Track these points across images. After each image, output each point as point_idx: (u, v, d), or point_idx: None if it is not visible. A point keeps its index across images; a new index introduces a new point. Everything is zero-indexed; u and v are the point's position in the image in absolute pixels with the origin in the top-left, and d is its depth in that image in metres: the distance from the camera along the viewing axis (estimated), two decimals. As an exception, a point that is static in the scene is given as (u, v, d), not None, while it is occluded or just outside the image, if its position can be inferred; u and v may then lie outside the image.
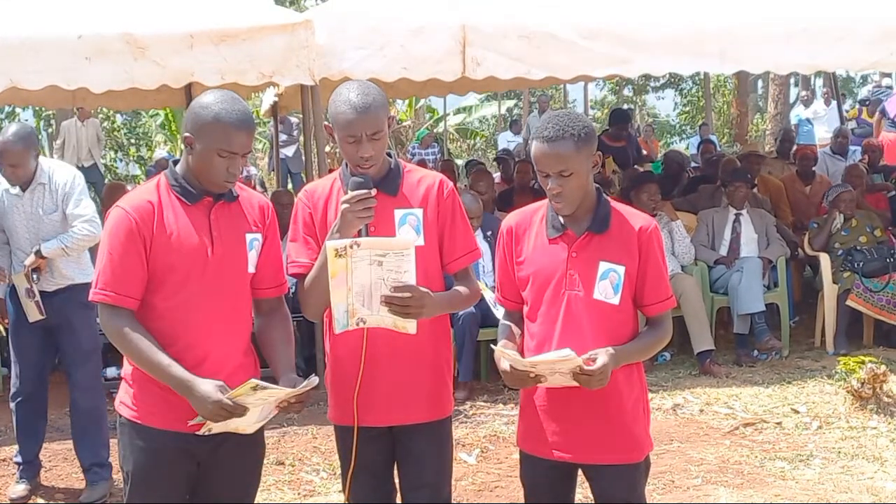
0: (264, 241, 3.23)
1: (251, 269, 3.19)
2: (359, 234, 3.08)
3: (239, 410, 2.93)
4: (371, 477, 3.33)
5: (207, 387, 2.92)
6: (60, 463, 5.76)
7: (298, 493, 5.26)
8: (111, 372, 6.51)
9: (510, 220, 3.25)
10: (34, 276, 5.16)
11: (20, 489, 5.32)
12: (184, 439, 3.08)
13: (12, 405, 5.40)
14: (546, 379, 2.99)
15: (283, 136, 15.35)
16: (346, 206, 3.09)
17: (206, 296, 3.07)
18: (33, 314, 5.19)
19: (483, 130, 28.69)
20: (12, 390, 5.40)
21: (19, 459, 5.42)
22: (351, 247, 2.97)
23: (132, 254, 3.01)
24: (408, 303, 3.03)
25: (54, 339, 5.32)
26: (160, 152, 20.98)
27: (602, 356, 2.94)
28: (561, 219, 3.11)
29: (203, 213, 3.10)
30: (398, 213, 3.22)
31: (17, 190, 5.18)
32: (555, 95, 25.48)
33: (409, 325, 3.09)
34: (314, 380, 3.04)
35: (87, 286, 3.25)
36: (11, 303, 5.32)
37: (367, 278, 3.00)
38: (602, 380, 2.94)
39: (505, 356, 3.01)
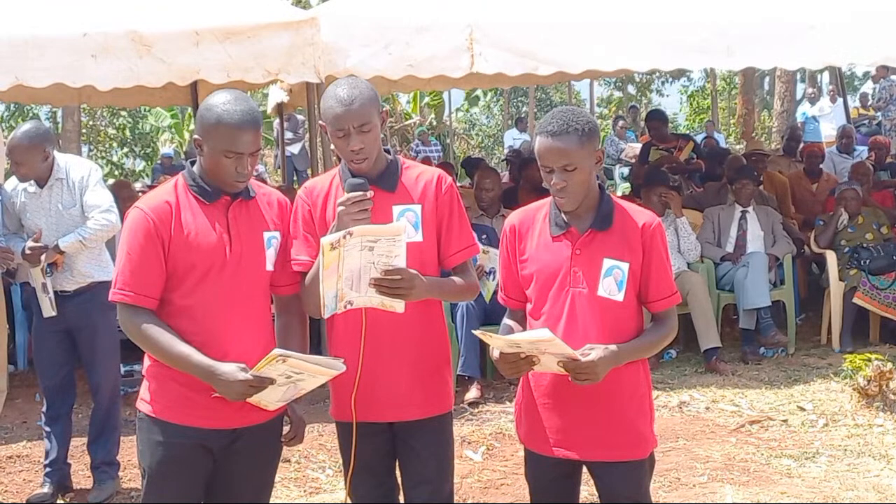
0: (283, 239, 3.25)
1: (269, 268, 3.21)
2: None
3: (266, 383, 2.97)
4: (372, 474, 3.34)
5: (230, 368, 2.97)
6: (65, 460, 5.77)
7: (304, 491, 5.26)
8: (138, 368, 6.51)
9: (513, 218, 3.25)
10: (48, 271, 5.13)
11: (42, 492, 5.28)
12: (201, 435, 3.11)
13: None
14: (539, 360, 2.98)
15: (289, 134, 15.35)
16: (341, 208, 3.10)
17: (225, 294, 3.09)
18: (47, 310, 5.17)
19: (489, 127, 28.70)
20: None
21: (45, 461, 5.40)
22: (344, 237, 2.98)
23: (150, 254, 3.05)
24: (397, 284, 3.05)
25: (74, 341, 5.28)
26: (165, 150, 21.03)
27: (597, 351, 2.93)
28: (564, 216, 3.10)
29: (221, 212, 3.12)
30: (396, 210, 3.23)
31: (34, 188, 5.18)
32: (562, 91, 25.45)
33: (397, 305, 3.10)
34: (341, 366, 3.06)
35: (107, 285, 3.26)
36: (33, 303, 5.32)
37: (356, 262, 3.02)
38: (590, 375, 2.93)
39: (488, 338, 3.00)
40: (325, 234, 3.10)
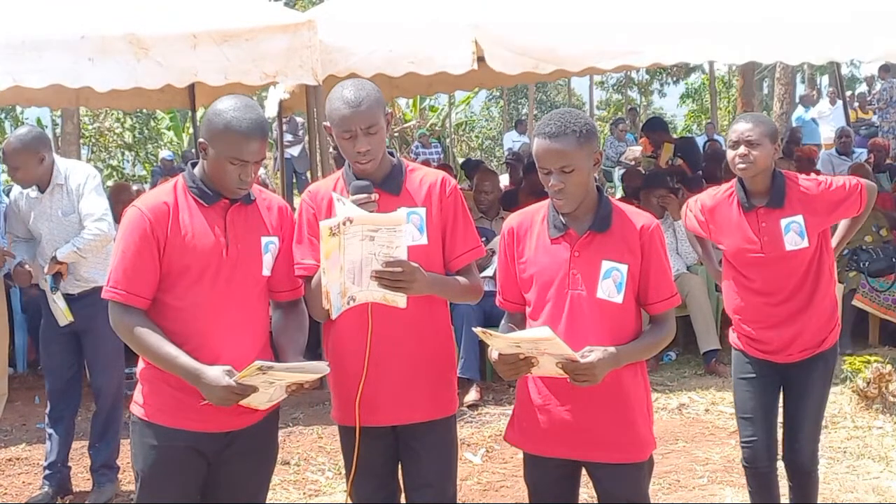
0: (281, 244, 3.24)
1: (266, 272, 3.20)
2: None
3: (249, 391, 2.95)
4: (375, 477, 3.32)
5: (215, 372, 2.94)
6: (65, 463, 5.76)
7: (304, 493, 5.26)
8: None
9: (511, 220, 3.25)
10: (52, 282, 5.11)
11: (39, 495, 5.27)
12: (194, 438, 3.10)
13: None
14: (538, 361, 2.97)
15: (288, 136, 15.36)
16: None
17: (219, 297, 3.08)
18: (61, 319, 5.17)
19: (489, 129, 28.67)
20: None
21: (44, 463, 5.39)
22: (344, 223, 2.97)
23: (145, 254, 3.04)
24: (399, 277, 3.03)
25: (80, 343, 5.26)
26: (164, 153, 21.03)
27: (596, 353, 2.93)
28: (562, 218, 3.10)
29: (219, 215, 3.12)
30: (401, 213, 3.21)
31: (36, 193, 5.17)
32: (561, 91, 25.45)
33: (399, 299, 3.09)
34: (325, 368, 3.05)
35: None
36: (42, 307, 5.32)
37: (357, 254, 3.00)
38: (588, 376, 2.92)
39: (487, 337, 2.99)
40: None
